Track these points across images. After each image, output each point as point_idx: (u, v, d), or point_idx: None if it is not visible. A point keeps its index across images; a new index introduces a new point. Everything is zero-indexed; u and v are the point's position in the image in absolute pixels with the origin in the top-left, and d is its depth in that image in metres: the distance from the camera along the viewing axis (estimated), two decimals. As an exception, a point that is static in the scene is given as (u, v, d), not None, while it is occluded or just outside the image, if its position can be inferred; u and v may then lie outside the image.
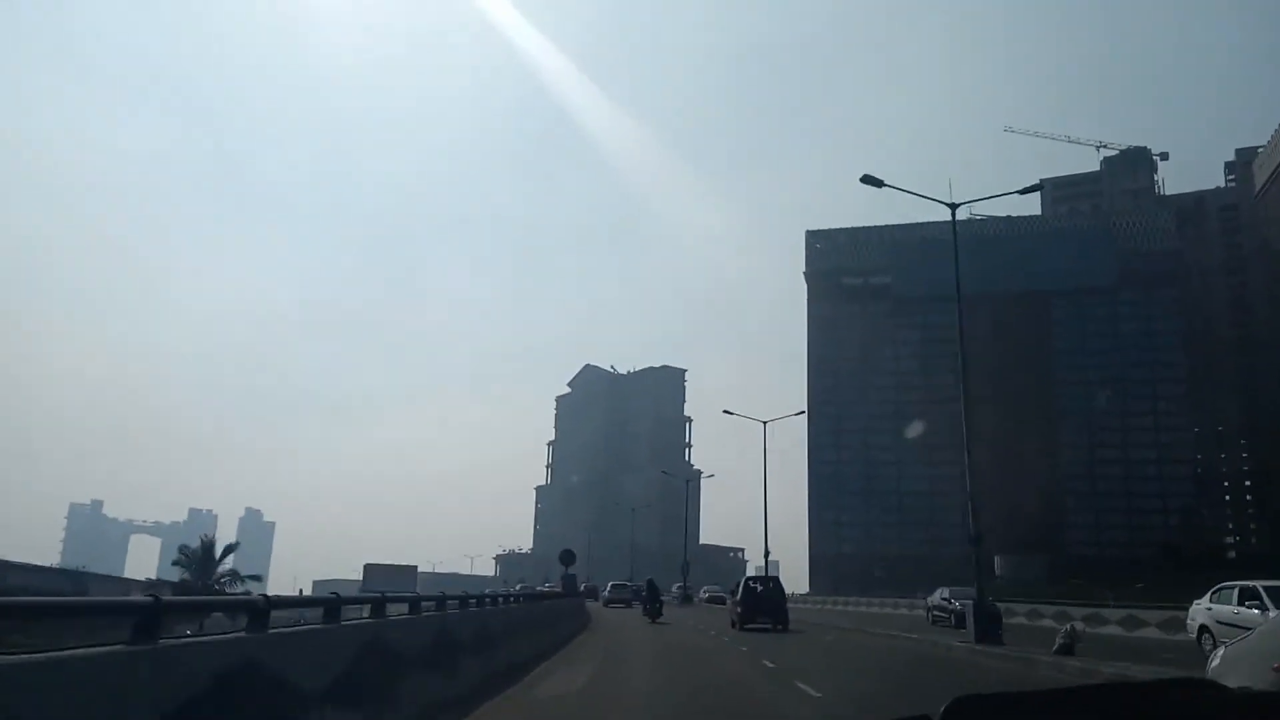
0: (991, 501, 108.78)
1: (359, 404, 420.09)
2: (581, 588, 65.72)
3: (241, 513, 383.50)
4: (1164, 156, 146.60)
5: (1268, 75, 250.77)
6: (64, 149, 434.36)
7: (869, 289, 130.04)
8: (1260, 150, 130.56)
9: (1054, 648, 18.86)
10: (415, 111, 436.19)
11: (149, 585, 39.99)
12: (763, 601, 31.58)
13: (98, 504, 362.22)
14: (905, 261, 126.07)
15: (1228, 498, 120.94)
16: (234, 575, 48.02)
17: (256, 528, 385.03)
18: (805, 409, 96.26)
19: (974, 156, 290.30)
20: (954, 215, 24.81)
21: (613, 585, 62.72)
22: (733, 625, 31.95)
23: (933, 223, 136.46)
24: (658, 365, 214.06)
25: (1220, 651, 8.37)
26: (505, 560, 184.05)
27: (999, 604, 26.78)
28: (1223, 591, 20.32)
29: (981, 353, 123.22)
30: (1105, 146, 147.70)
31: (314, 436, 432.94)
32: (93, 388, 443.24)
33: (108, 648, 4.53)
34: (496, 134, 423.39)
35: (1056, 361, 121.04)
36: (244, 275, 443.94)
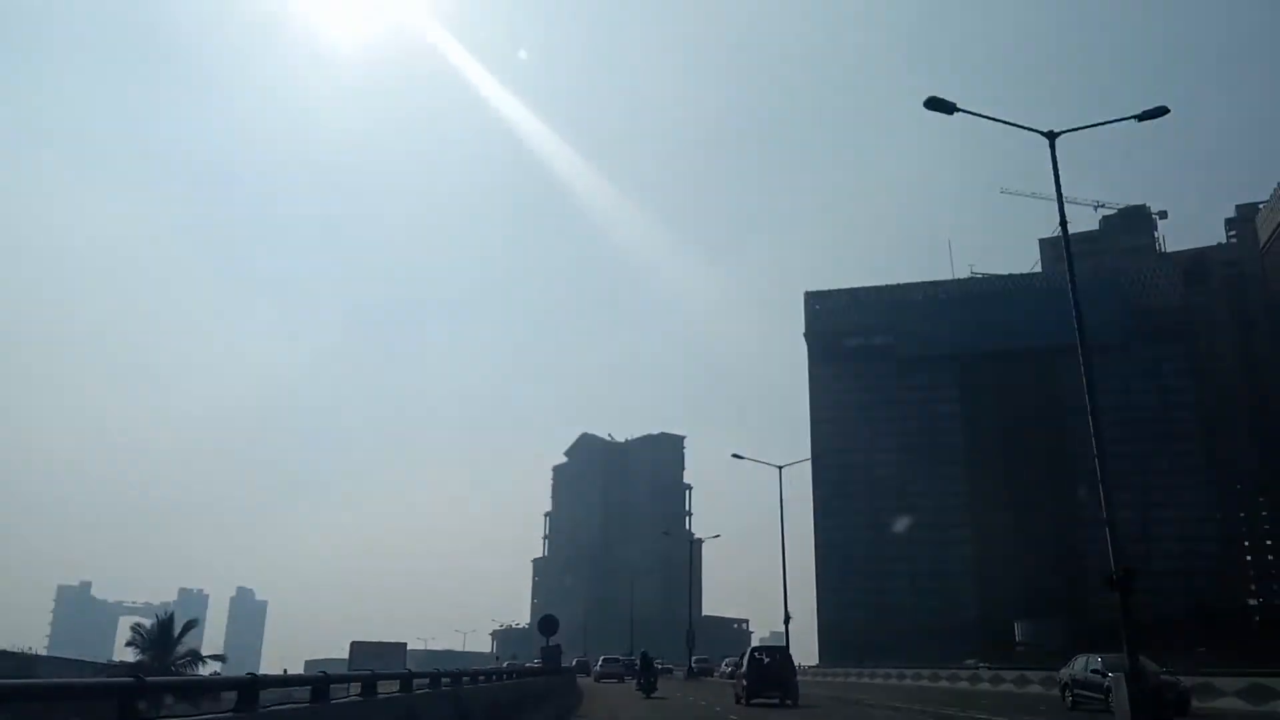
0: (1007, 566, 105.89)
1: (352, 480, 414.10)
2: (574, 662, 62.78)
3: (233, 592, 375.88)
4: (1163, 215, 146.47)
5: (1263, 132, 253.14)
6: (56, 229, 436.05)
7: (870, 349, 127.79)
8: (1262, 206, 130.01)
9: None
10: (410, 188, 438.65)
11: (105, 668, 36.60)
12: (770, 674, 29.45)
13: (86, 585, 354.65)
14: (906, 321, 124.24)
15: (1249, 557, 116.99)
16: (194, 655, 44.33)
17: (248, 607, 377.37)
18: (811, 461, 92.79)
19: (971, 218, 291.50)
20: (1053, 148, 19.46)
21: (604, 659, 60.44)
22: (737, 700, 29.59)
23: (932, 282, 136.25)
24: (656, 432, 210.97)
25: None
26: (502, 635, 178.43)
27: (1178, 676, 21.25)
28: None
29: (990, 412, 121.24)
30: (1103, 206, 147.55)
31: (306, 514, 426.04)
32: (81, 467, 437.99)
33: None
34: (490, 210, 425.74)
35: (1067, 420, 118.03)
36: (235, 353, 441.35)
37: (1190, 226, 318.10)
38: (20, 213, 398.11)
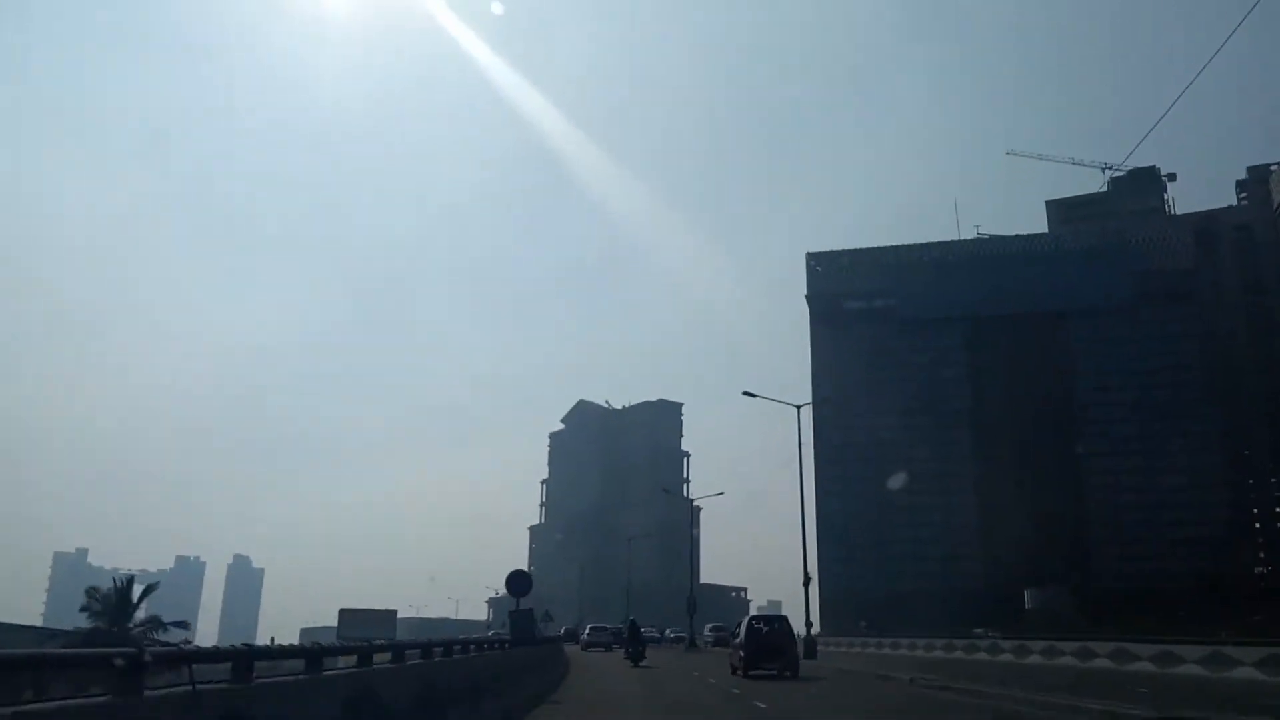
0: (1013, 532, 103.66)
1: (349, 448, 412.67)
2: (562, 630, 61.70)
3: (230, 559, 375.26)
4: (1172, 177, 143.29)
5: (1273, 92, 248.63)
6: (55, 194, 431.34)
7: (873, 312, 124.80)
8: (1274, 168, 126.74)
9: None
10: (409, 160, 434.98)
11: (61, 636, 34.03)
12: (770, 644, 27.90)
13: (83, 552, 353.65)
14: (911, 283, 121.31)
15: (1258, 525, 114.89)
16: (155, 621, 41.77)
17: (245, 574, 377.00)
18: (814, 425, 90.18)
19: (977, 181, 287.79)
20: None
21: (591, 628, 59.76)
22: (733, 671, 28.37)
23: (937, 243, 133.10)
24: (654, 399, 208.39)
25: None
26: (498, 603, 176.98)
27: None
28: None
29: (997, 376, 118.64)
30: (1111, 168, 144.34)
31: (303, 481, 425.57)
32: (78, 434, 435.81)
33: (96, 699, 4.54)
34: (488, 180, 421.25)
35: (1076, 384, 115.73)
36: (234, 321, 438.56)
37: (1200, 189, 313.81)
38: (17, 182, 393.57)
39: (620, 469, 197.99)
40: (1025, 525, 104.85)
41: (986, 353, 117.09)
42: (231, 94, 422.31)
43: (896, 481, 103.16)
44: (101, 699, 4.65)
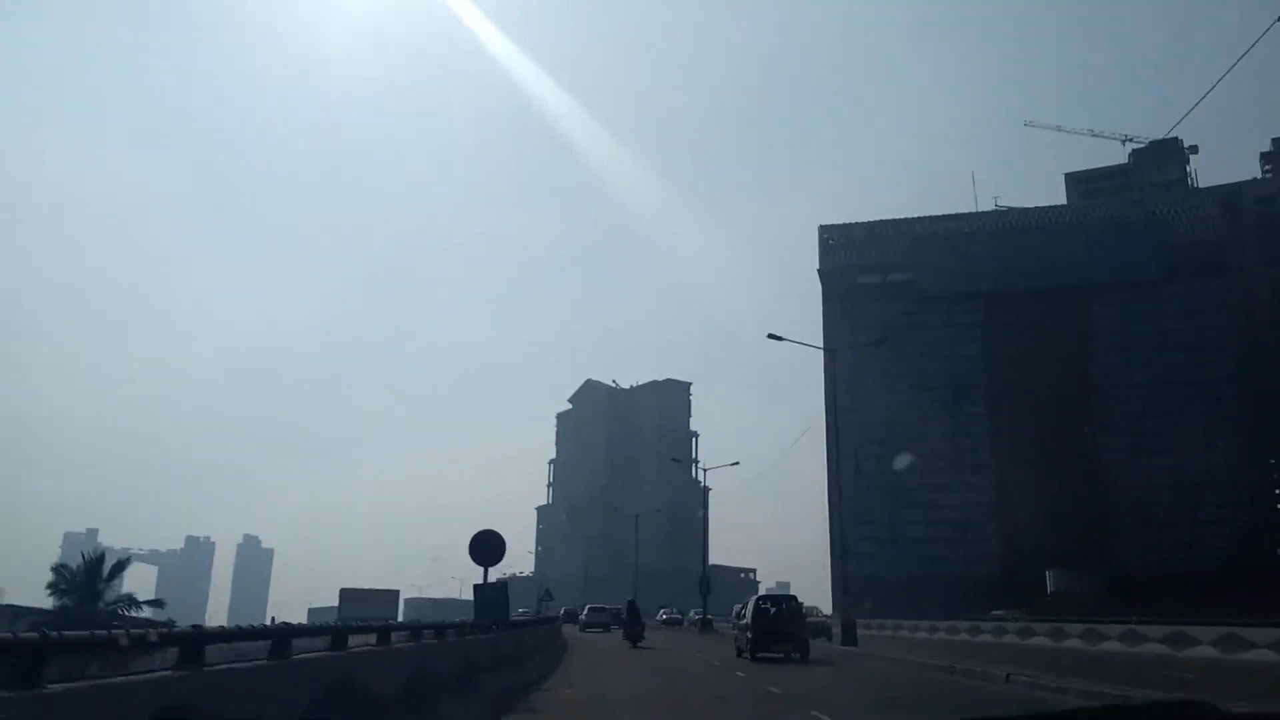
0: (1032, 513, 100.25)
1: (358, 429, 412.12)
2: (561, 611, 59.73)
3: (240, 539, 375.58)
4: (1194, 150, 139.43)
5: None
6: (67, 181, 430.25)
7: (888, 287, 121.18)
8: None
9: None
10: (415, 140, 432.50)
11: (21, 613, 31.54)
12: (779, 625, 26.60)
13: (93, 532, 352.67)
14: (927, 257, 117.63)
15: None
16: (128, 600, 39.19)
17: (255, 555, 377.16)
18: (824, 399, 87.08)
19: (994, 152, 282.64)
20: None
21: (590, 608, 59.37)
22: (739, 654, 27.22)
23: (954, 215, 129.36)
24: (661, 379, 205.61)
25: None
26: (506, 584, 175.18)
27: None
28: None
29: (1015, 352, 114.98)
30: (1131, 140, 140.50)
31: (313, 462, 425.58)
32: (90, 414, 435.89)
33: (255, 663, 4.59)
34: (495, 160, 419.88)
35: (1097, 361, 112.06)
36: (244, 302, 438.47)
37: (1223, 162, 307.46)
38: (29, 163, 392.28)
39: (628, 449, 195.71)
40: (1043, 507, 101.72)
41: (1004, 329, 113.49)
42: (240, 77, 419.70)
43: (902, 462, 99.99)
44: None
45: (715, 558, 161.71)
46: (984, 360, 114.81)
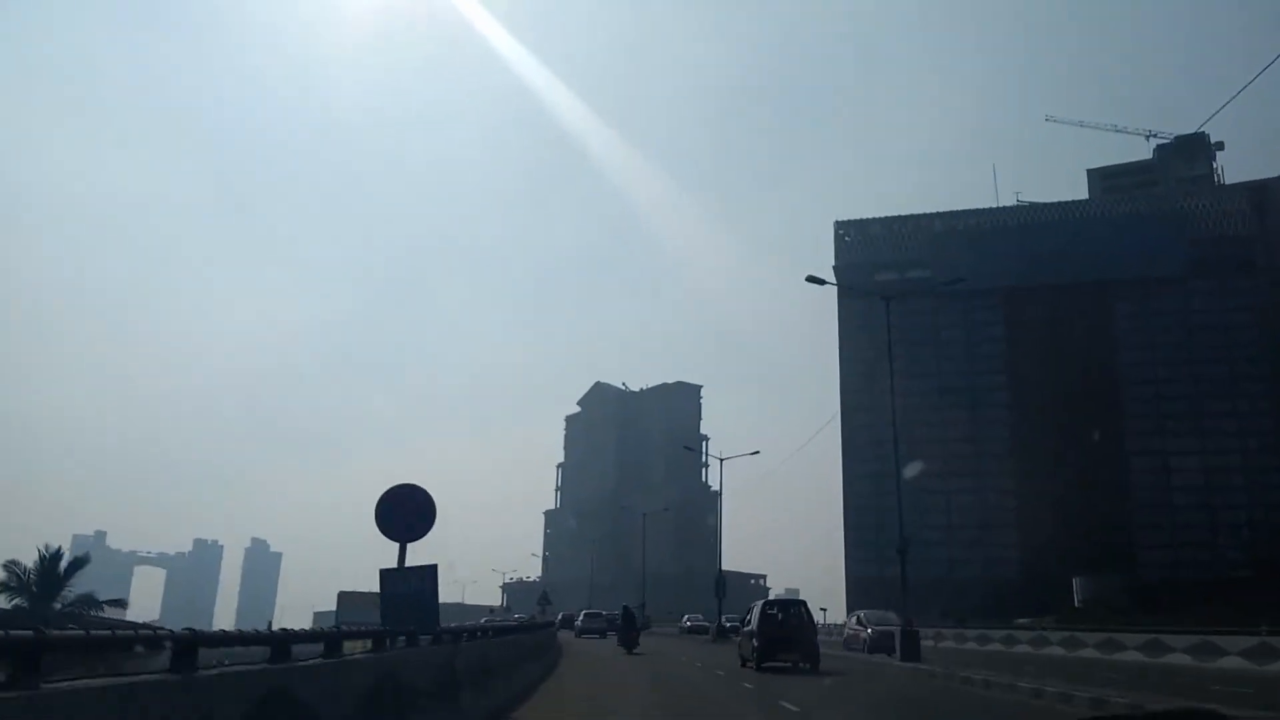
0: (1053, 515, 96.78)
1: (366, 433, 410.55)
2: (559, 616, 59.76)
3: (248, 543, 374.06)
4: (1219, 146, 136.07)
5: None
6: (73, 188, 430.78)
7: (905, 284, 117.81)
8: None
9: None
10: (423, 143, 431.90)
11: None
12: (788, 632, 25.20)
13: (101, 535, 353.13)
14: (946, 254, 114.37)
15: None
16: (88, 600, 36.35)
17: (263, 558, 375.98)
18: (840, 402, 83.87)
19: (1015, 147, 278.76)
20: None
21: (585, 613, 59.05)
22: (743, 664, 25.63)
23: (974, 210, 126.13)
24: (672, 382, 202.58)
25: None
26: (512, 589, 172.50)
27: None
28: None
29: (1036, 351, 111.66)
30: (1155, 136, 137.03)
31: (321, 466, 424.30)
32: (97, 417, 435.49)
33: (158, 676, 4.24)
34: (503, 163, 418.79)
35: (1120, 359, 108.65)
36: (254, 305, 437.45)
37: (1249, 158, 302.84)
38: (33, 168, 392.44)
39: (637, 453, 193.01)
40: (1063, 509, 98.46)
41: (1026, 326, 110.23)
42: (241, 77, 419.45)
43: (912, 470, 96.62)
44: None
45: (725, 563, 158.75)
46: (1004, 359, 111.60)
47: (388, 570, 12.28)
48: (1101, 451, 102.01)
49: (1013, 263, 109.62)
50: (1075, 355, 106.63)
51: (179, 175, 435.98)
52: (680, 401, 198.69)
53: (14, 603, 33.85)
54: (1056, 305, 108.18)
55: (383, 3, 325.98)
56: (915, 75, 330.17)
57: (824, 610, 64.17)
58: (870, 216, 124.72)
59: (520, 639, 20.87)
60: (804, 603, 29.12)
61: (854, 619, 39.22)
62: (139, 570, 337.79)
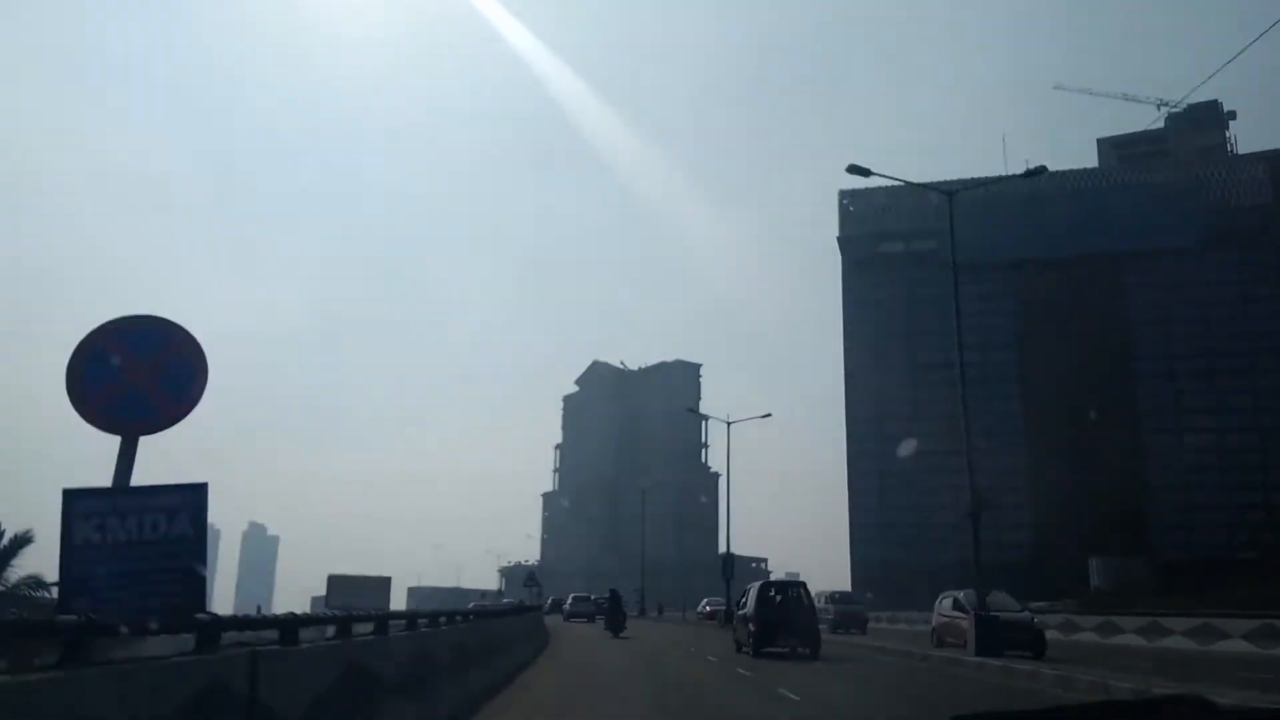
0: (1065, 498, 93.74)
1: (363, 414, 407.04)
2: (549, 601, 60.73)
3: (245, 527, 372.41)
4: (1232, 115, 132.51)
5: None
6: (64, 163, 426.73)
7: (911, 256, 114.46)
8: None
9: None
10: (419, 119, 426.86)
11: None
12: (785, 616, 23.80)
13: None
14: (954, 223, 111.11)
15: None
16: (35, 581, 32.80)
17: (261, 542, 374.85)
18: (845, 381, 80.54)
19: (1023, 116, 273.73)
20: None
21: (574, 598, 59.28)
22: (738, 649, 24.40)
23: (982, 178, 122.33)
24: (670, 360, 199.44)
25: None
26: (510, 573, 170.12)
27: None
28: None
29: (1047, 325, 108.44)
30: (1166, 104, 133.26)
31: (318, 449, 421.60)
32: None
33: (43, 674, 4.05)
34: (499, 140, 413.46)
35: (1134, 332, 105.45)
36: (246, 286, 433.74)
37: (1263, 127, 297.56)
38: (23, 139, 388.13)
39: (636, 432, 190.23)
40: (1078, 490, 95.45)
41: (1036, 300, 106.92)
42: (241, 54, 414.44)
43: (907, 449, 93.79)
44: (49, 673, 3.84)
45: (725, 545, 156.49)
46: (1014, 332, 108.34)
47: (71, 490, 5.99)
48: (1114, 429, 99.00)
49: (1024, 233, 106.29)
50: (1086, 329, 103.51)
51: (173, 156, 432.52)
52: (679, 380, 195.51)
53: None
54: (1067, 277, 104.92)
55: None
56: (922, 43, 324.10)
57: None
58: (875, 186, 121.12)
59: (506, 623, 19.40)
60: (804, 584, 27.75)
61: (948, 601, 27.80)
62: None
